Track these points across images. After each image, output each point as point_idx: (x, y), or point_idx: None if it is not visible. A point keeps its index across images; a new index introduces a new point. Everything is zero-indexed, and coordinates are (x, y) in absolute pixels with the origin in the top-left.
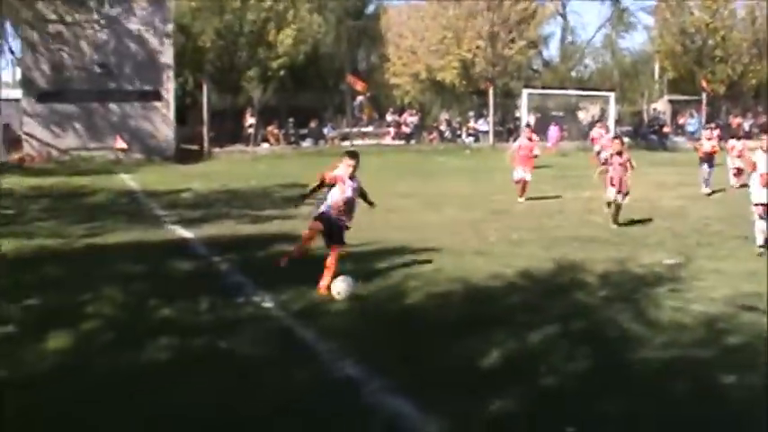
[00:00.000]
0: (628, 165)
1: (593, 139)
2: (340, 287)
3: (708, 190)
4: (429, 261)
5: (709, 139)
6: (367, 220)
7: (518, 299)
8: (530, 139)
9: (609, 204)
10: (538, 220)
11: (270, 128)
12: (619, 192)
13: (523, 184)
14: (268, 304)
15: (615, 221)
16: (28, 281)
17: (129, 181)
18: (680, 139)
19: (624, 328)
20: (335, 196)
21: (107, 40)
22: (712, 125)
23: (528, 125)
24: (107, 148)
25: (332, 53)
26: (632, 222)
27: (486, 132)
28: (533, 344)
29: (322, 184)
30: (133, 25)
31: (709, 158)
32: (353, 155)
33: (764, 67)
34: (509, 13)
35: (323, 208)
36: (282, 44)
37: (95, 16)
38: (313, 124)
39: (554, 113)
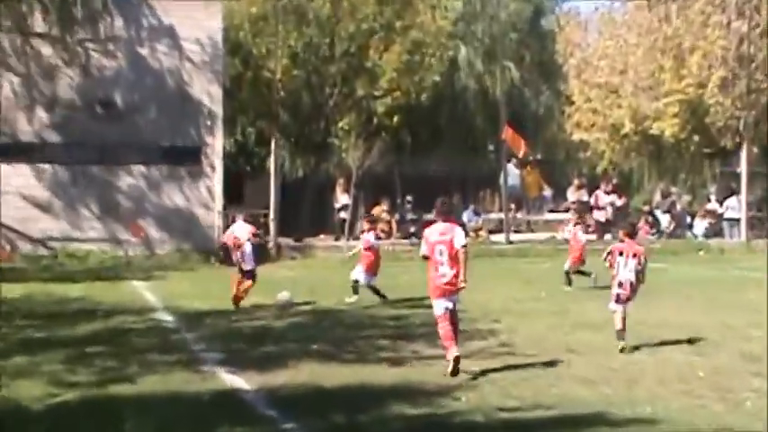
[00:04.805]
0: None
1: None
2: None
3: None
4: None
5: None
6: (533, 369)
7: None
8: (371, 230)
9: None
10: None
11: (376, 210)
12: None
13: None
14: None
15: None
16: None
17: (145, 292)
18: None
19: None
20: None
21: (115, 66)
22: None
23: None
24: (111, 238)
25: (475, 89)
26: None
27: (737, 220)
28: None
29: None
30: (159, 44)
31: None
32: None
33: None
34: None
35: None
36: (387, 69)
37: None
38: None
39: None
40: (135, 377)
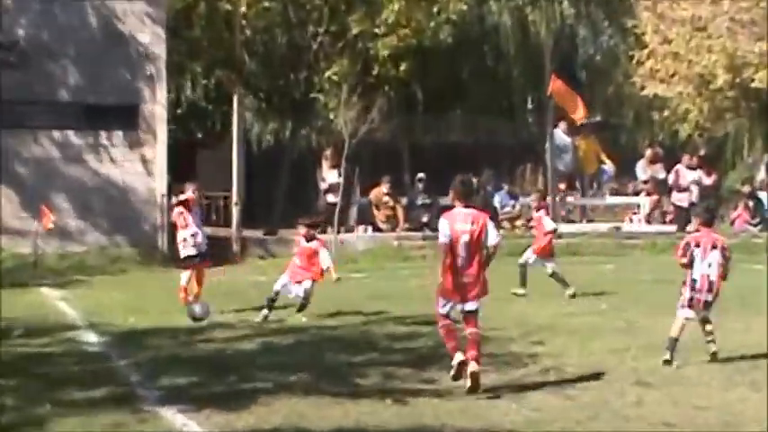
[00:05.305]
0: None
1: None
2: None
3: None
4: None
5: None
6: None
7: None
8: (309, 239)
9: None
10: None
11: (375, 192)
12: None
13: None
14: None
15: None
16: None
17: (60, 303)
18: None
19: None
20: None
21: None
22: None
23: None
24: (12, 230)
25: (512, 26)
26: None
27: None
28: None
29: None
30: None
31: None
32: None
33: None
34: None
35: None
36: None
37: None
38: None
39: None
40: (48, 419)
